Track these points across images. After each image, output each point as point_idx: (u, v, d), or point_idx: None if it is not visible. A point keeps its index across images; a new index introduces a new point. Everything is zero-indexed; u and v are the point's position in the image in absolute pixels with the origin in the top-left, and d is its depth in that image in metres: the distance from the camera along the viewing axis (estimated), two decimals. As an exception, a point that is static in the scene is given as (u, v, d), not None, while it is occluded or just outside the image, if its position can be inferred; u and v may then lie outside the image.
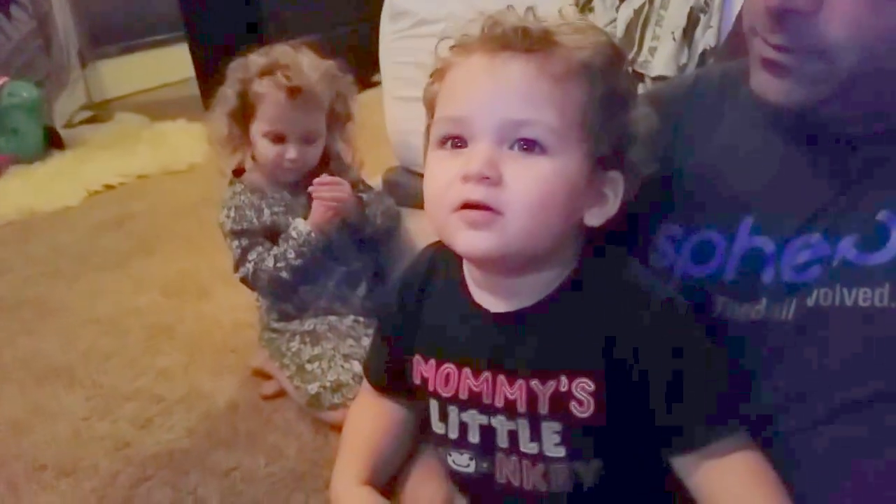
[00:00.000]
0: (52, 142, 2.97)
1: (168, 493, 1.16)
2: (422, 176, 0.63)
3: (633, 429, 0.61)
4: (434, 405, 0.67)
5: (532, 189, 0.57)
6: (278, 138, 1.23)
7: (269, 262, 1.26)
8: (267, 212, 1.28)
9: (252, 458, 1.22)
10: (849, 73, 0.57)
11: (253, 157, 1.32)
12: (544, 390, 0.61)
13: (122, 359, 1.54)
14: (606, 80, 0.59)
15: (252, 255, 1.28)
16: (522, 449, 0.63)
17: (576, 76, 0.58)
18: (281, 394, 1.36)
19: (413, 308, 0.70)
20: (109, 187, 2.60)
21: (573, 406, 0.60)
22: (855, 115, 0.62)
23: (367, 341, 1.28)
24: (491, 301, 0.64)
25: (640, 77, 1.11)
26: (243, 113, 1.24)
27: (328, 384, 1.25)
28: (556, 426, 0.61)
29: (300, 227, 1.25)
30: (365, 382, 0.78)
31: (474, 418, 0.65)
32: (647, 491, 0.65)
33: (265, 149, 1.24)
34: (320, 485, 1.15)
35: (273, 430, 1.29)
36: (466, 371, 0.64)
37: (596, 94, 0.58)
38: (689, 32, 1.11)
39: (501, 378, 0.63)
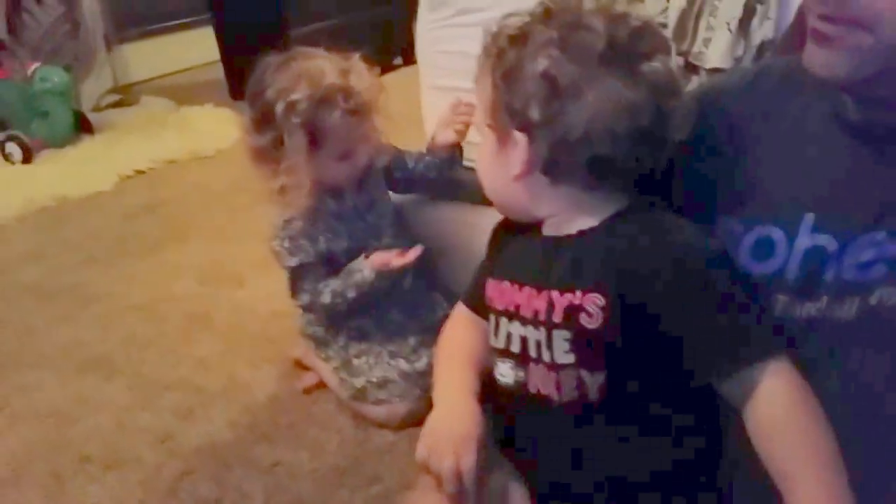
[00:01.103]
0: (82, 126, 2.97)
1: (212, 487, 1.16)
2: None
3: (640, 348, 0.68)
4: (492, 319, 0.78)
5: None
6: (348, 154, 1.21)
7: (327, 298, 1.23)
8: (321, 238, 1.24)
9: (294, 452, 1.22)
10: (893, 49, 0.56)
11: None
12: (561, 301, 0.70)
13: (161, 347, 1.55)
14: (500, 64, 0.71)
15: (308, 286, 1.24)
16: (542, 357, 0.71)
17: (484, 72, 0.73)
18: (320, 386, 1.36)
19: (502, 241, 0.83)
20: (140, 172, 2.60)
21: (583, 317, 0.68)
22: None
23: (413, 340, 1.27)
24: (549, 231, 0.76)
25: (695, 69, 1.08)
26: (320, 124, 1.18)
27: (374, 379, 1.25)
28: (566, 334, 0.69)
29: (366, 273, 1.20)
30: (458, 306, 0.91)
31: (516, 329, 0.74)
32: (651, 416, 0.71)
33: (337, 170, 1.21)
34: (363, 481, 1.15)
35: (314, 423, 1.29)
36: (515, 286, 0.75)
37: (495, 79, 0.71)
38: (745, 24, 1.08)
39: (534, 291, 0.73)
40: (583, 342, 0.69)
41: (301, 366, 1.42)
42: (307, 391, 1.37)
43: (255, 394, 1.38)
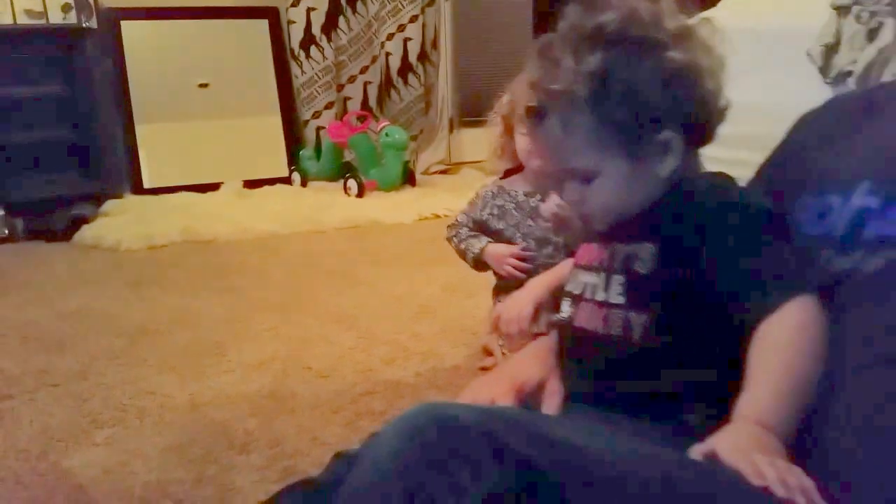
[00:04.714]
0: (409, 179, 3.61)
1: (384, 404, 1.43)
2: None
3: (684, 292, 0.74)
4: (573, 272, 0.88)
5: None
6: None
7: (455, 241, 1.65)
8: (486, 211, 1.58)
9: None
10: None
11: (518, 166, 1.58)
12: (621, 250, 0.79)
13: (393, 321, 1.89)
14: (599, 100, 0.74)
15: (453, 231, 1.66)
16: (596, 297, 0.80)
17: (561, 126, 0.77)
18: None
19: None
20: (436, 216, 3.09)
21: (637, 264, 0.76)
22: None
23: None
24: None
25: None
26: (511, 120, 1.50)
27: (532, 361, 1.43)
28: (621, 279, 0.77)
29: (475, 249, 1.59)
30: None
31: (583, 276, 0.83)
32: (688, 358, 0.74)
33: (520, 141, 1.49)
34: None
35: (480, 390, 1.49)
36: (599, 246, 0.84)
37: (603, 115, 0.74)
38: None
39: (604, 245, 0.82)
40: (634, 286, 0.77)
41: (487, 352, 1.63)
42: (484, 369, 1.57)
43: (445, 361, 1.63)
